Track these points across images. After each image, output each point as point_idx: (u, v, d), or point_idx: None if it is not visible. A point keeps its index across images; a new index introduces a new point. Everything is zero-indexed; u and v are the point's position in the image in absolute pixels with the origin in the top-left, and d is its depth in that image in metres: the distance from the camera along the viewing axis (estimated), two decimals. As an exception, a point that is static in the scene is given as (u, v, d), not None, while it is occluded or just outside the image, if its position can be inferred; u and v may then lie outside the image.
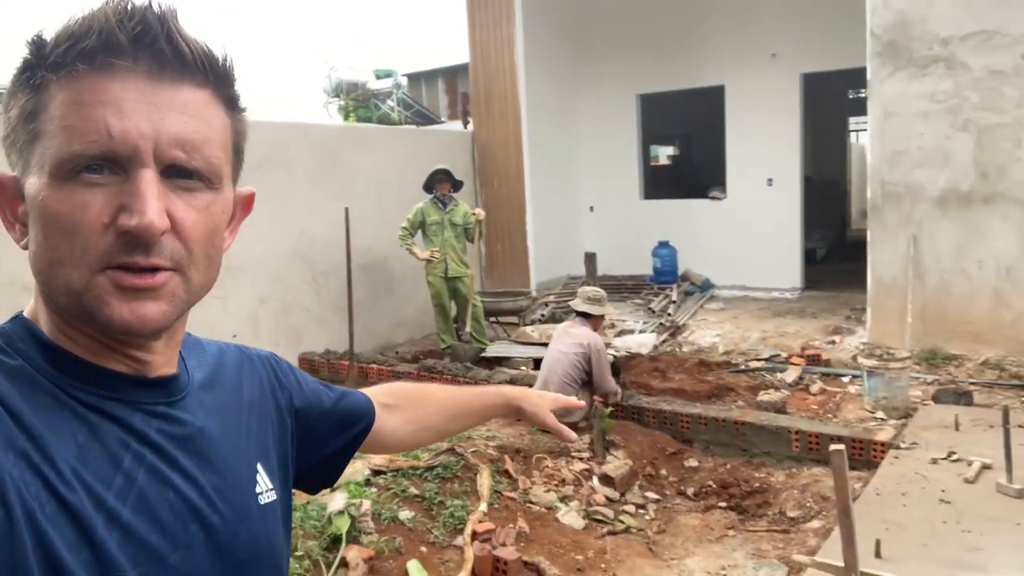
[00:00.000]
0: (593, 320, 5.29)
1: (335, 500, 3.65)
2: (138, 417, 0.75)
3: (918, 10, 6.36)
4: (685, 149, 16.43)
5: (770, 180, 9.77)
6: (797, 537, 3.97)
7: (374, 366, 6.78)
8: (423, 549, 3.64)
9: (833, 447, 2.53)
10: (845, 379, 6.20)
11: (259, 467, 0.89)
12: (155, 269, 0.70)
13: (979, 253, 6.33)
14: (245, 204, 0.86)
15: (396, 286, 8.43)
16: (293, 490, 1.00)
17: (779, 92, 9.54)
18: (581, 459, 4.77)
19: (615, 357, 6.89)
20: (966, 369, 6.11)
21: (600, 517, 4.19)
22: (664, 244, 10.07)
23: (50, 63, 0.69)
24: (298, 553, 3.35)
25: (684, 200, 11.23)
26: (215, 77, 0.74)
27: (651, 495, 4.57)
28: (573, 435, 1.39)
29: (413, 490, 4.06)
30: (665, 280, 9.91)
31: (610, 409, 5.03)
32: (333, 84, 19.71)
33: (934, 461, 4.18)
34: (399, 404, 1.22)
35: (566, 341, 5.13)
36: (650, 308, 8.88)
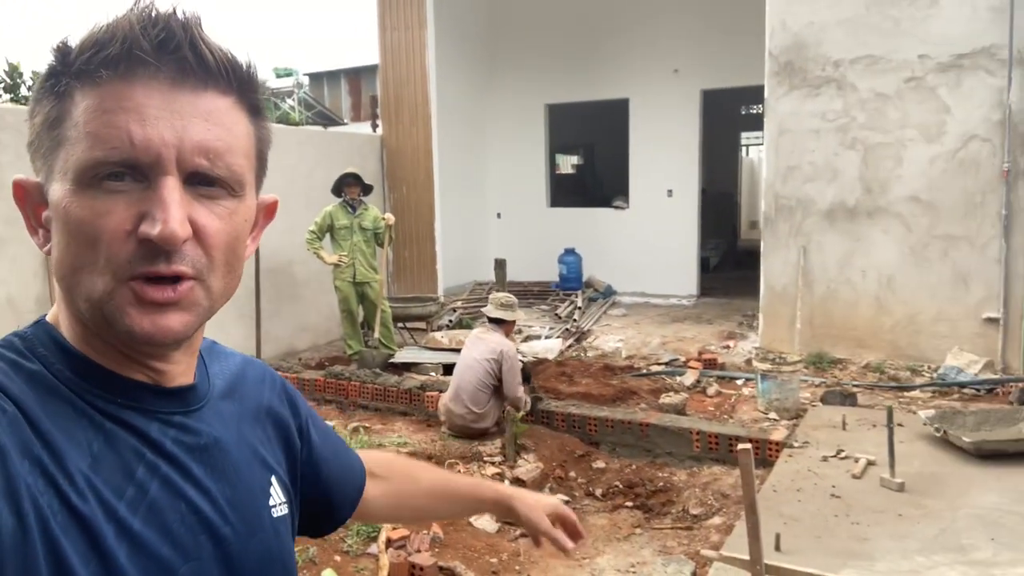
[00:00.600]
0: (505, 326, 5.35)
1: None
2: (154, 427, 0.74)
3: (813, 33, 6.75)
4: (589, 159, 16.78)
5: (670, 191, 10.13)
6: (700, 533, 4.14)
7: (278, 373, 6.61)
8: (337, 558, 3.60)
9: (741, 447, 2.67)
10: (739, 382, 6.48)
11: (273, 480, 0.88)
12: (176, 279, 0.69)
13: (863, 263, 6.76)
14: (268, 211, 0.86)
15: (300, 291, 8.25)
16: None
17: (680, 107, 9.92)
18: (493, 463, 4.82)
19: (524, 363, 6.99)
20: (850, 372, 6.51)
21: (513, 520, 4.24)
22: (570, 251, 10.26)
23: (74, 70, 0.68)
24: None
25: (589, 208, 11.50)
26: (238, 84, 0.74)
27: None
28: (570, 544, 1.29)
29: (325, 497, 4.00)
30: (570, 286, 10.10)
31: (521, 413, 5.09)
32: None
33: (825, 459, 4.43)
34: (387, 476, 1.19)
35: (479, 348, 5.17)
36: (556, 314, 9.03)
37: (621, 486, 4.75)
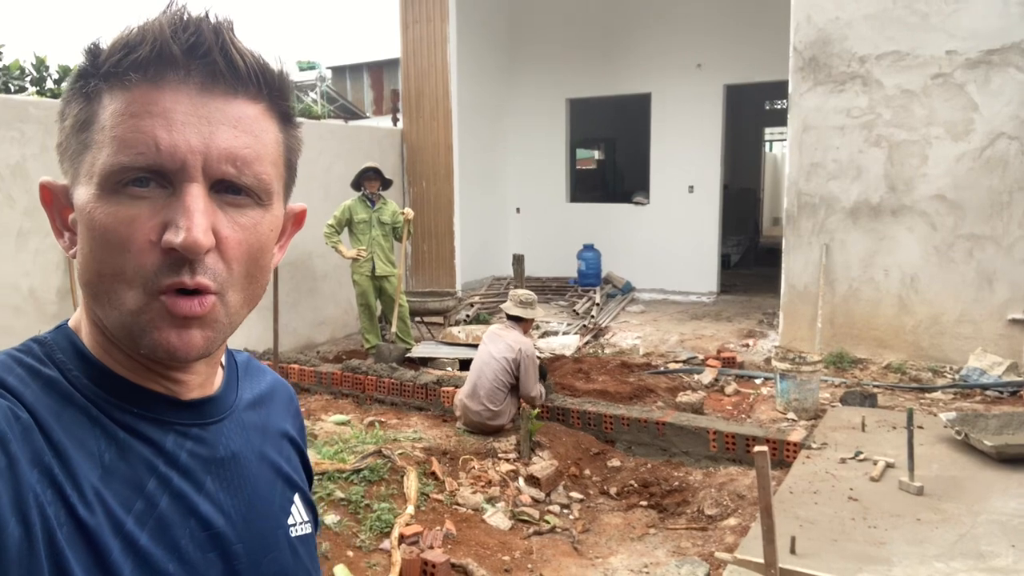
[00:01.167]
0: (524, 323, 5.33)
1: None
2: (170, 439, 0.73)
3: (838, 29, 6.65)
4: (610, 154, 16.71)
5: (691, 187, 10.05)
6: (715, 534, 4.10)
7: (295, 366, 6.66)
8: (350, 553, 3.61)
9: (756, 449, 2.64)
10: (758, 381, 6.43)
11: (296, 498, 0.86)
12: (200, 292, 0.68)
13: (886, 262, 6.67)
14: (297, 220, 0.85)
15: (319, 285, 8.29)
16: None
17: (703, 101, 9.83)
18: (507, 460, 4.81)
19: (541, 360, 6.97)
20: (871, 372, 6.43)
21: (526, 518, 4.24)
22: (589, 247, 10.22)
23: (103, 72, 0.67)
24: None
25: (609, 204, 11.45)
26: (269, 91, 0.72)
27: (575, 495, 4.64)
28: None
29: (339, 493, 4.02)
30: (589, 283, 10.06)
31: (536, 411, 5.08)
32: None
33: (843, 461, 4.38)
34: None
35: (497, 345, 5.15)
36: (574, 310, 9.00)
37: (636, 485, 4.73)
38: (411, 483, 4.22)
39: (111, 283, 0.68)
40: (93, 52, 0.69)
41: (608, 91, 10.56)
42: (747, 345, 7.51)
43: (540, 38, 10.75)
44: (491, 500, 4.34)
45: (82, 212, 0.68)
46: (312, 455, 4.40)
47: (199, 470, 0.74)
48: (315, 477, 4.11)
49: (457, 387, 5.53)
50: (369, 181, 7.12)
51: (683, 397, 5.72)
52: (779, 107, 15.91)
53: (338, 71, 22.13)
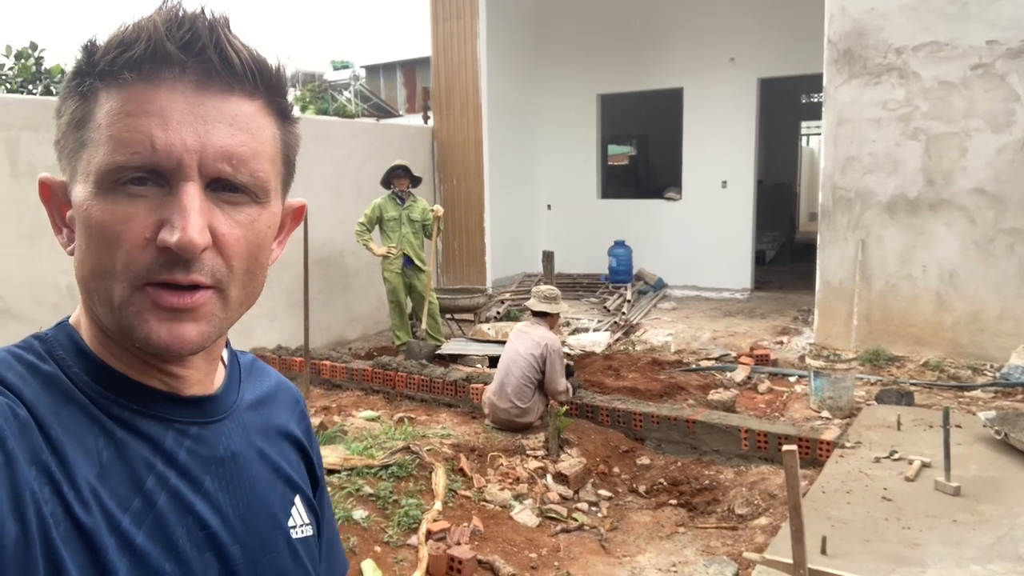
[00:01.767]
0: (550, 319, 5.32)
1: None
2: (170, 436, 0.73)
3: (873, 20, 6.52)
4: (642, 150, 16.60)
5: (724, 182, 9.94)
6: (745, 534, 4.05)
7: (327, 363, 6.72)
8: (377, 549, 3.63)
9: (785, 448, 2.60)
10: (792, 379, 6.34)
11: (296, 499, 0.86)
12: (195, 287, 0.68)
13: (924, 258, 6.52)
14: (296, 215, 0.85)
15: (351, 282, 8.36)
16: None
17: (736, 96, 9.71)
18: (536, 457, 4.80)
19: (570, 356, 6.95)
20: (908, 370, 6.30)
21: (554, 515, 4.22)
22: (620, 243, 10.16)
23: (98, 71, 0.67)
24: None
25: (640, 200, 11.37)
26: (266, 87, 0.72)
27: (604, 493, 4.61)
28: None
29: (368, 489, 4.04)
30: (620, 279, 10.01)
31: (565, 408, 5.06)
32: (289, 75, 19.46)
33: (877, 460, 4.30)
34: None
35: (524, 342, 5.14)
36: (605, 307, 8.96)
37: (665, 483, 4.69)
38: (439, 479, 4.23)
39: (104, 280, 0.68)
40: (89, 50, 0.69)
41: (639, 86, 10.47)
42: (781, 342, 7.41)
43: (570, 33, 10.70)
44: (519, 497, 4.33)
45: (79, 209, 0.69)
46: (341, 451, 4.44)
47: (198, 469, 0.74)
48: (344, 472, 4.15)
49: (486, 384, 5.54)
50: (398, 179, 7.15)
51: (715, 395, 5.65)
52: (815, 101, 15.65)
53: (372, 70, 22.30)
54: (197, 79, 0.67)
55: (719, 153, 9.89)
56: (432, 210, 7.21)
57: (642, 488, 4.69)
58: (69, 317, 0.76)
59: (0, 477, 0.58)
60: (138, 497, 0.68)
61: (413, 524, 3.82)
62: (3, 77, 9.38)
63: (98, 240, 0.67)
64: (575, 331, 8.04)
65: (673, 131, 10.80)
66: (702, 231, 10.04)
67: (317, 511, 0.90)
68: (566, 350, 7.13)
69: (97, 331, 0.72)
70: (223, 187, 0.69)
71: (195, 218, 0.66)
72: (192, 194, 0.66)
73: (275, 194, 0.75)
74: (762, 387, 6.15)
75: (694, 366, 6.76)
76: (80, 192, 0.68)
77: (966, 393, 5.70)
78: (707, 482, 4.64)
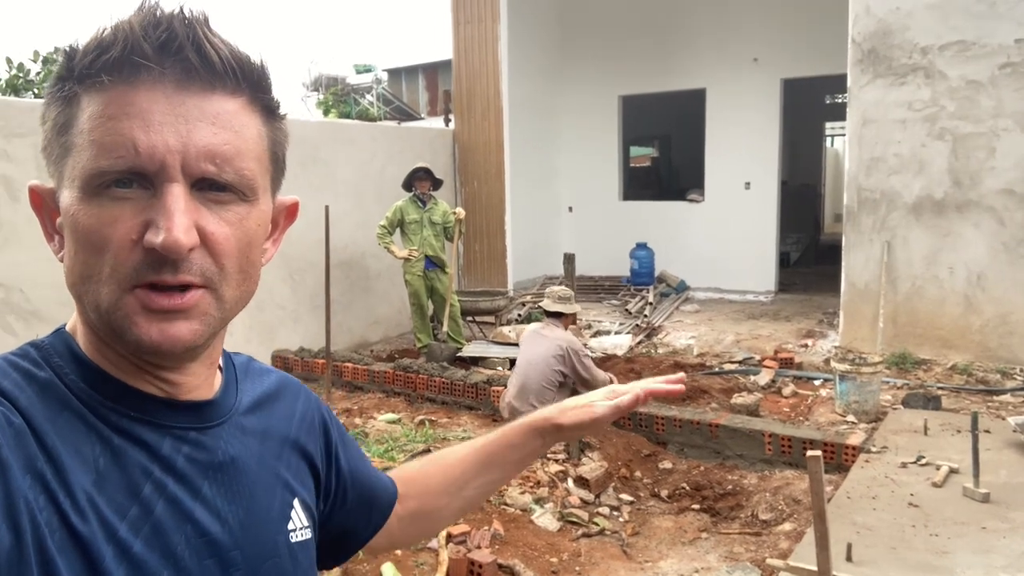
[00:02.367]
0: (564, 319, 5.29)
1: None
2: (167, 443, 0.72)
3: (899, 19, 6.44)
4: (664, 151, 16.51)
5: (748, 183, 9.86)
6: (769, 540, 4.01)
7: (349, 365, 6.74)
8: (397, 552, 3.63)
9: (810, 453, 2.56)
10: (817, 382, 6.27)
11: (295, 503, 0.85)
12: (185, 288, 0.68)
13: (951, 260, 6.43)
14: (289, 213, 0.84)
15: (372, 284, 8.39)
16: None
17: (759, 96, 9.63)
18: (556, 461, 4.78)
19: (591, 358, 6.92)
20: (935, 374, 6.20)
21: (575, 519, 4.20)
22: (642, 245, 10.11)
23: (77, 75, 0.67)
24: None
25: (662, 202, 11.31)
26: (249, 84, 0.71)
27: (625, 497, 4.58)
28: (627, 399, 1.08)
29: (388, 490, 4.04)
30: (642, 281, 9.95)
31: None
32: (313, 78, 19.61)
33: (903, 465, 4.23)
34: (405, 492, 1.10)
35: (542, 344, 5.12)
36: (626, 309, 8.91)
37: (688, 488, 4.65)
38: (460, 483, 4.22)
39: (93, 285, 0.68)
40: (69, 54, 0.68)
41: (661, 87, 10.42)
42: (806, 345, 7.33)
43: (591, 35, 10.68)
44: (539, 501, 4.32)
45: (67, 215, 0.68)
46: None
47: (196, 475, 0.73)
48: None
49: (505, 387, 5.53)
50: (420, 181, 7.17)
51: (738, 398, 5.60)
52: (840, 101, 15.47)
53: (394, 73, 22.39)
54: (177, 79, 0.67)
55: (742, 154, 9.81)
56: (454, 213, 7.22)
57: (664, 493, 4.65)
58: (65, 324, 0.76)
59: None
60: (135, 504, 0.67)
61: (434, 527, 3.81)
62: (31, 82, 9.53)
63: (85, 244, 0.67)
64: (597, 334, 8.01)
65: (696, 132, 10.73)
66: (725, 233, 9.96)
67: (315, 514, 0.90)
68: (587, 352, 7.11)
69: (93, 337, 0.72)
70: (209, 186, 0.69)
71: (179, 218, 0.65)
72: (176, 195, 0.66)
73: (263, 192, 0.74)
74: (786, 391, 6.09)
75: (717, 369, 6.70)
76: (67, 197, 0.68)
77: (995, 397, 5.61)
78: (730, 487, 4.60)
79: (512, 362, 6.64)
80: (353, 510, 1.01)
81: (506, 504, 4.23)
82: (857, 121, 6.72)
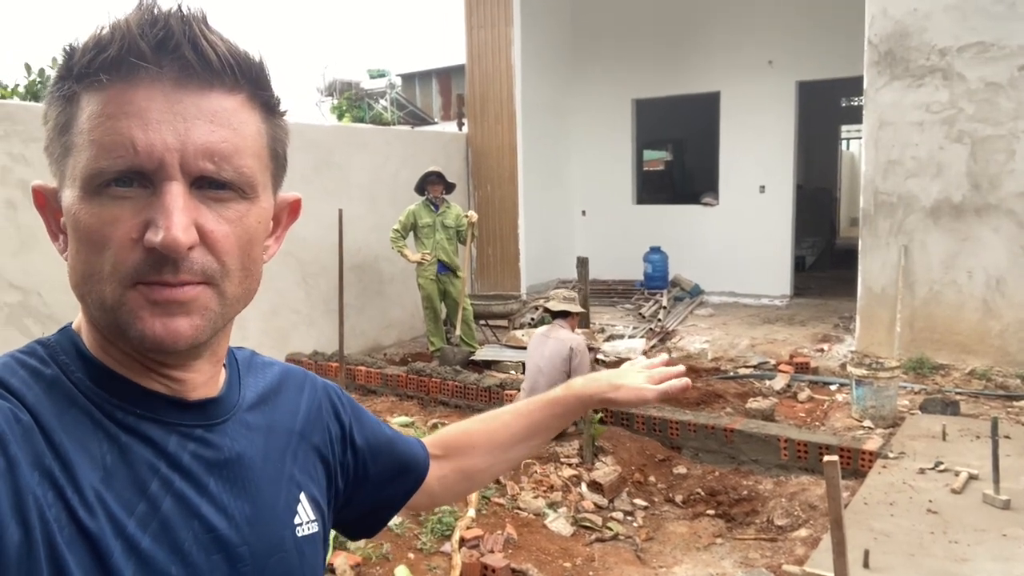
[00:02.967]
0: (570, 320, 5.28)
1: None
2: (173, 440, 0.73)
3: (916, 21, 6.38)
4: (678, 154, 16.46)
5: (763, 187, 9.80)
6: (785, 546, 3.97)
7: (362, 368, 6.75)
8: (411, 555, 3.62)
9: (827, 458, 2.53)
10: (833, 387, 6.21)
11: (302, 497, 0.86)
12: (187, 285, 0.68)
13: (969, 264, 6.35)
14: (292, 209, 0.85)
15: (386, 288, 8.40)
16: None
17: (774, 99, 9.57)
18: (570, 465, 4.76)
19: (604, 362, 6.89)
20: (953, 379, 6.13)
21: (588, 524, 4.18)
22: (655, 249, 10.07)
23: (76, 74, 0.67)
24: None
25: (676, 206, 11.26)
26: (248, 81, 0.71)
27: (639, 502, 4.55)
28: (677, 384, 1.18)
29: (401, 494, 4.03)
30: (656, 285, 9.91)
31: (599, 415, 5.01)
32: (327, 83, 19.70)
33: (921, 471, 4.18)
34: (445, 455, 1.14)
35: (549, 347, 5.10)
36: (640, 313, 8.88)
37: (703, 493, 4.62)
38: (472, 487, 4.21)
39: (95, 283, 0.68)
40: (68, 53, 0.68)
41: (675, 91, 10.38)
42: (822, 350, 7.27)
43: (605, 39, 10.66)
44: (553, 505, 4.29)
45: (68, 214, 0.69)
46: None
47: (202, 472, 0.74)
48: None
49: (519, 390, 5.51)
50: (432, 185, 7.18)
51: (753, 403, 5.55)
52: (856, 104, 15.38)
53: (407, 78, 22.46)
54: (175, 77, 0.67)
55: (757, 157, 9.75)
56: (466, 216, 7.22)
57: (679, 498, 4.62)
58: (72, 323, 0.76)
59: (2, 482, 0.58)
60: (143, 501, 0.68)
61: (446, 531, 3.81)
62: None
63: (87, 243, 0.67)
64: (610, 337, 7.98)
65: (710, 135, 10.68)
66: (740, 237, 9.90)
67: (323, 506, 0.90)
68: (600, 356, 7.08)
69: (98, 335, 0.72)
70: (208, 184, 0.69)
71: (178, 217, 0.65)
72: (175, 193, 0.66)
73: (264, 189, 0.74)
74: (802, 395, 6.03)
75: (732, 374, 6.66)
76: (68, 197, 0.68)
77: (1015, 403, 5.53)
78: (745, 492, 4.56)
79: (525, 366, 6.63)
80: (380, 483, 1.03)
81: (519, 508, 4.21)
82: (874, 124, 6.67)
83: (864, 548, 3.21)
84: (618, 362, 6.96)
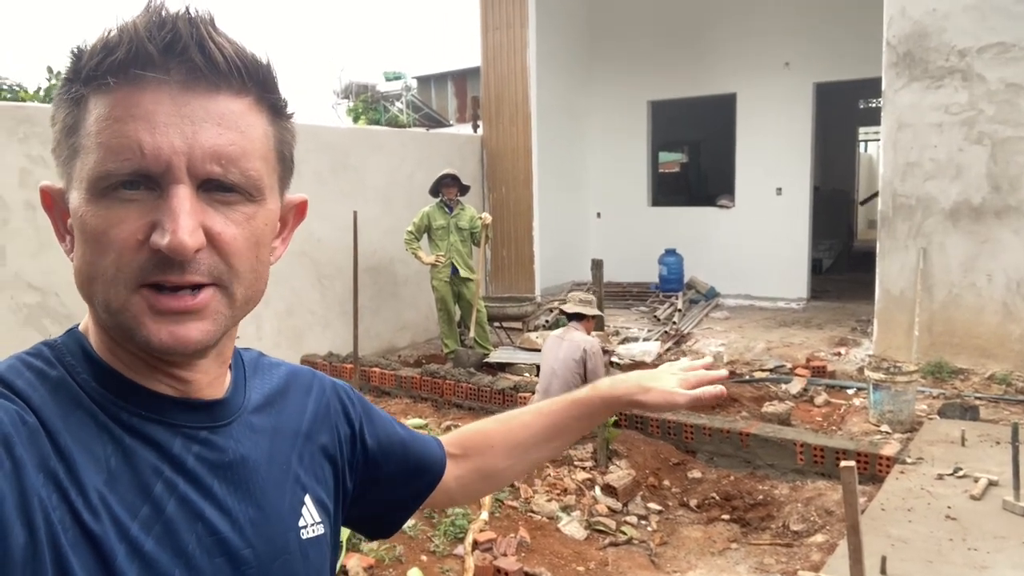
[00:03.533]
0: (585, 323, 5.25)
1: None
2: (178, 442, 0.73)
3: (935, 21, 6.32)
4: (694, 156, 16.39)
5: (779, 189, 9.74)
6: (800, 551, 3.93)
7: (376, 370, 6.76)
8: (424, 558, 3.61)
9: (843, 464, 2.50)
10: (850, 391, 6.16)
11: (307, 499, 0.85)
12: (195, 287, 0.68)
13: (989, 267, 6.28)
14: (299, 211, 0.85)
15: (400, 290, 8.41)
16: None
17: (791, 101, 9.51)
18: (584, 468, 4.74)
19: (619, 365, 6.87)
20: (972, 383, 6.06)
21: (602, 528, 4.16)
22: (671, 252, 10.03)
23: (84, 77, 0.68)
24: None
25: (692, 208, 11.22)
26: (255, 84, 0.71)
27: (653, 506, 4.53)
28: (711, 392, 1.07)
29: (414, 496, 4.03)
30: (671, 288, 9.87)
31: (614, 418, 4.99)
32: (343, 86, 19.79)
33: (940, 477, 4.13)
34: (464, 454, 1.12)
35: (563, 349, 5.09)
36: (655, 316, 8.84)
37: (718, 498, 4.58)
38: (486, 489, 4.20)
39: (100, 285, 0.68)
40: (76, 56, 0.69)
41: (691, 92, 10.34)
42: (839, 354, 7.21)
43: (620, 40, 10.63)
44: (566, 509, 4.28)
45: (75, 216, 0.69)
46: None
47: (206, 474, 0.74)
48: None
49: (534, 393, 5.50)
50: (447, 187, 7.18)
51: (769, 407, 5.51)
52: (874, 105, 15.25)
53: (423, 81, 22.51)
54: (182, 80, 0.67)
55: (774, 159, 9.69)
56: (480, 218, 7.22)
57: (693, 502, 4.59)
58: (78, 325, 0.76)
59: (8, 483, 0.58)
60: (147, 504, 0.68)
61: (459, 534, 3.80)
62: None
63: (93, 245, 0.67)
64: (624, 340, 7.95)
65: (726, 137, 10.63)
66: (756, 239, 9.84)
67: (329, 508, 0.89)
68: (614, 359, 7.06)
69: (105, 337, 0.72)
70: (215, 187, 0.69)
71: (185, 220, 0.65)
72: (182, 196, 0.66)
73: (271, 191, 0.74)
74: (819, 399, 5.98)
75: (748, 377, 6.61)
76: (75, 199, 0.69)
77: (1036, 408, 5.46)
78: (761, 497, 4.52)
79: (539, 368, 6.62)
80: (392, 484, 1.02)
81: (533, 511, 4.19)
82: (892, 125, 6.60)
83: (881, 555, 3.18)
84: (632, 365, 6.93)
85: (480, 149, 9.92)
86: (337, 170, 7.71)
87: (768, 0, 9.55)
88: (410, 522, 3.80)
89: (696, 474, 4.85)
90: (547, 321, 8.44)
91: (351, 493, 0.96)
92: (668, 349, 7.65)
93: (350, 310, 6.98)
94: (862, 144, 19.47)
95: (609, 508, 4.39)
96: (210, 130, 0.67)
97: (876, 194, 7.10)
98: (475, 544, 3.69)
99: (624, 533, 4.14)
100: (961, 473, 4.12)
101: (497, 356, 7.16)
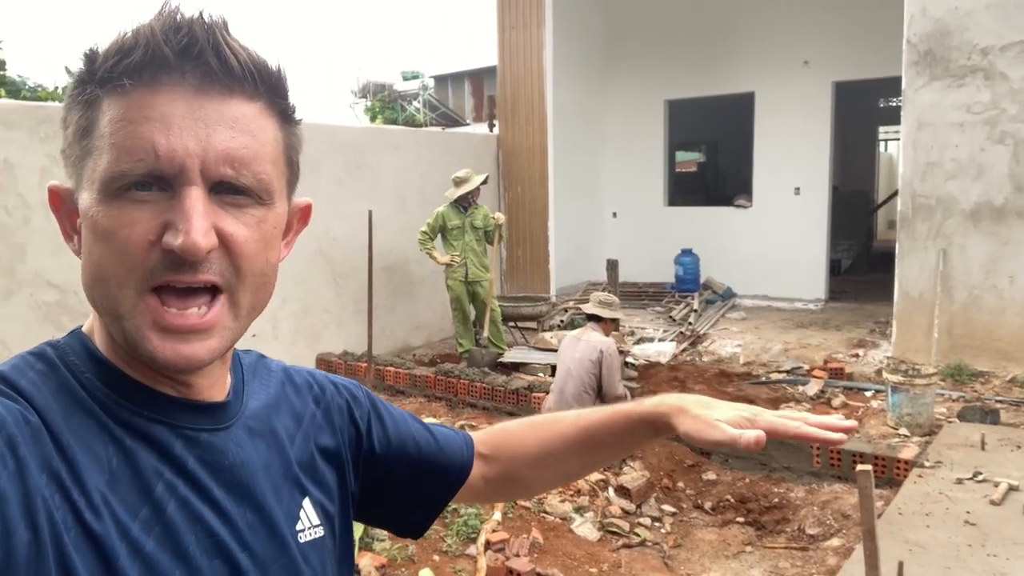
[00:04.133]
0: (604, 324, 5.23)
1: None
2: (179, 444, 0.73)
3: (957, 19, 6.24)
4: (711, 156, 16.30)
5: (797, 189, 9.66)
6: (816, 555, 3.89)
7: (391, 368, 6.77)
8: (436, 558, 3.61)
9: (860, 468, 2.47)
10: (868, 394, 6.10)
11: (305, 502, 0.85)
12: (208, 289, 0.69)
13: (1011, 268, 6.19)
14: (302, 216, 0.86)
15: (415, 289, 8.42)
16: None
17: (810, 100, 9.43)
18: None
19: (633, 365, 6.84)
20: (993, 386, 5.98)
21: (615, 529, 4.14)
22: (687, 252, 9.97)
23: (99, 78, 0.68)
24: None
25: (709, 208, 11.15)
26: (267, 89, 0.72)
27: (667, 508, 4.50)
28: (750, 436, 0.85)
29: (427, 496, 4.03)
30: (687, 288, 9.82)
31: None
32: (360, 85, 19.89)
33: (959, 481, 4.08)
34: (494, 455, 1.08)
35: (579, 349, 5.07)
36: (671, 316, 8.80)
37: (732, 500, 4.55)
38: (499, 490, 4.19)
39: (107, 287, 0.68)
40: (90, 58, 0.69)
41: (708, 91, 10.28)
42: (857, 355, 7.14)
43: (637, 39, 10.59)
44: (579, 510, 4.26)
45: (85, 216, 0.69)
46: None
47: (205, 477, 0.74)
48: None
49: (547, 392, 5.48)
50: (477, 192, 7.21)
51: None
52: (894, 105, 15.11)
53: (440, 80, 22.56)
54: (197, 83, 0.68)
55: (792, 159, 9.61)
56: (494, 217, 7.22)
57: (708, 504, 4.56)
58: (82, 326, 0.77)
59: (12, 483, 0.58)
60: (147, 505, 0.68)
61: (472, 534, 3.79)
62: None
63: (103, 245, 0.68)
64: (640, 340, 7.91)
65: (744, 137, 10.56)
66: (774, 239, 9.77)
67: (331, 513, 0.89)
68: (629, 359, 7.03)
69: (109, 338, 0.73)
70: (227, 190, 0.70)
71: (198, 221, 0.66)
72: (195, 198, 0.67)
73: (279, 195, 0.75)
74: (836, 402, 5.93)
75: (764, 378, 6.56)
76: (86, 199, 0.69)
77: (1058, 412, 5.37)
78: (776, 500, 4.48)
79: (554, 368, 6.61)
80: (409, 484, 1.01)
81: (545, 512, 4.18)
82: (912, 125, 6.53)
83: (898, 560, 3.13)
84: (648, 366, 6.89)
85: (496, 148, 9.92)
86: (353, 169, 7.73)
87: (787, -2, 9.48)
88: (423, 522, 3.81)
89: (711, 476, 4.82)
90: (562, 321, 8.42)
91: (359, 494, 0.95)
92: (684, 350, 7.61)
93: (365, 309, 7.00)
94: (882, 144, 19.28)
95: (623, 509, 4.37)
96: (223, 133, 0.68)
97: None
98: (488, 544, 3.68)
99: (637, 535, 4.11)
100: (980, 478, 4.07)
101: (511, 356, 7.15)
